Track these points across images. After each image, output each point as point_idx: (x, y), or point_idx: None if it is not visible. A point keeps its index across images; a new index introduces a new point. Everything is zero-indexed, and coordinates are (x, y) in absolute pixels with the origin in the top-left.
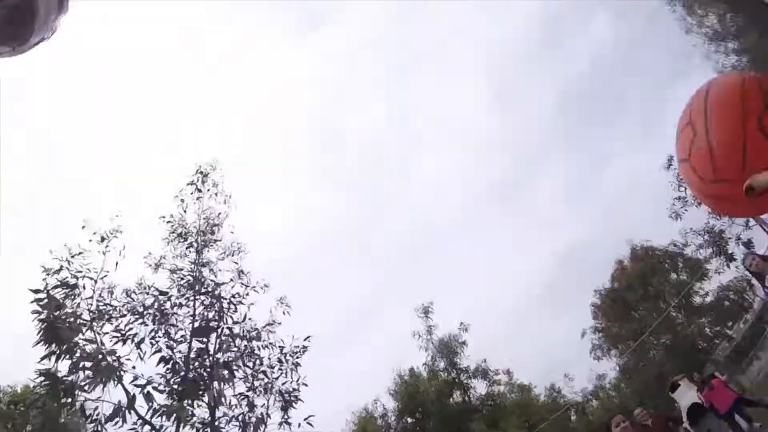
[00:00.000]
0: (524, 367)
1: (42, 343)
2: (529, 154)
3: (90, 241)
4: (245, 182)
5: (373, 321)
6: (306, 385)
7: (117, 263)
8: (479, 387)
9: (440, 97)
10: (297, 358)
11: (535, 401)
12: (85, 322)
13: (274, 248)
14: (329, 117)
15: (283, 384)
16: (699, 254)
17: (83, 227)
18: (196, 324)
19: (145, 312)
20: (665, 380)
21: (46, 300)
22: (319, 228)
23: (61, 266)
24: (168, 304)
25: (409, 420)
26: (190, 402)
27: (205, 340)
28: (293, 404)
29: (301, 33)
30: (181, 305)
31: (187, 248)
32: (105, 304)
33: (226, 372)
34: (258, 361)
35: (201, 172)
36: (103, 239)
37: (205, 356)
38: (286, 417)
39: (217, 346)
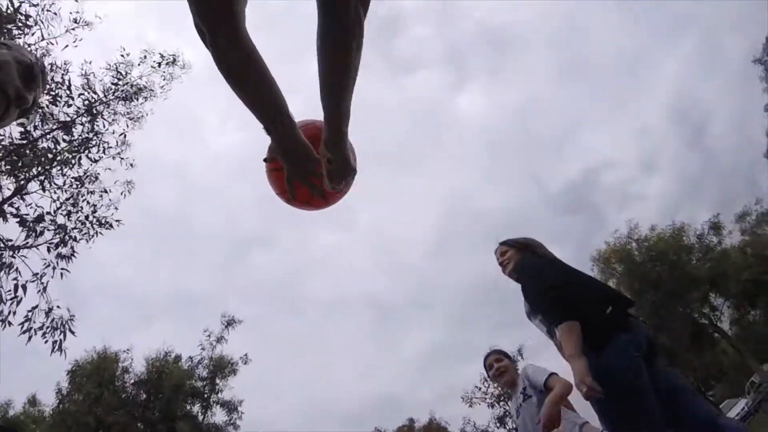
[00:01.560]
0: None
1: None
2: (427, 307)
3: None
4: None
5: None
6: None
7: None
8: (219, 416)
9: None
10: (101, 228)
11: None
12: None
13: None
14: None
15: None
16: None
17: None
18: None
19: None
20: None
21: None
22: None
23: None
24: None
25: (143, 395)
26: None
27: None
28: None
29: None
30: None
31: (113, 83)
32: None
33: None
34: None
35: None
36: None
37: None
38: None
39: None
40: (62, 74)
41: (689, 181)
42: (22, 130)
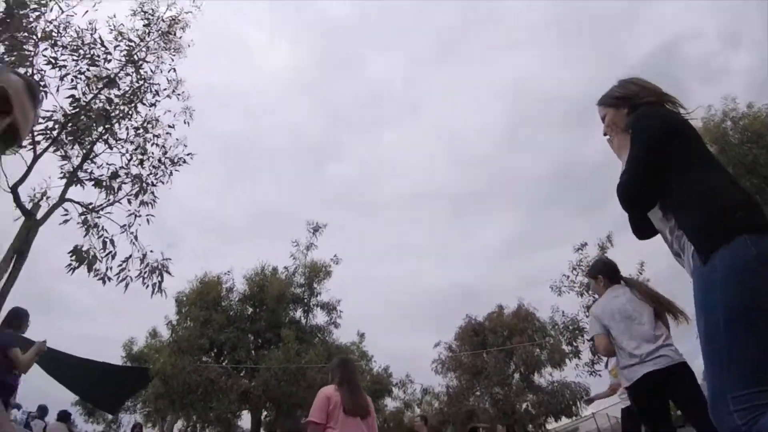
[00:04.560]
0: (382, 352)
1: None
2: (502, 199)
3: None
4: None
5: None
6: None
7: (87, 11)
8: (320, 317)
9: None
10: (174, 166)
11: (363, 366)
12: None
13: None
14: None
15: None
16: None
17: None
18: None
19: (81, 52)
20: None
21: None
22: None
23: None
24: (102, 58)
25: (249, 309)
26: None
27: (112, 98)
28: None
29: None
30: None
31: (144, 25)
32: (55, 26)
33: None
34: (142, 149)
35: None
36: None
37: (108, 109)
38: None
39: (118, 111)
40: (91, 34)
41: None
42: (72, 99)
